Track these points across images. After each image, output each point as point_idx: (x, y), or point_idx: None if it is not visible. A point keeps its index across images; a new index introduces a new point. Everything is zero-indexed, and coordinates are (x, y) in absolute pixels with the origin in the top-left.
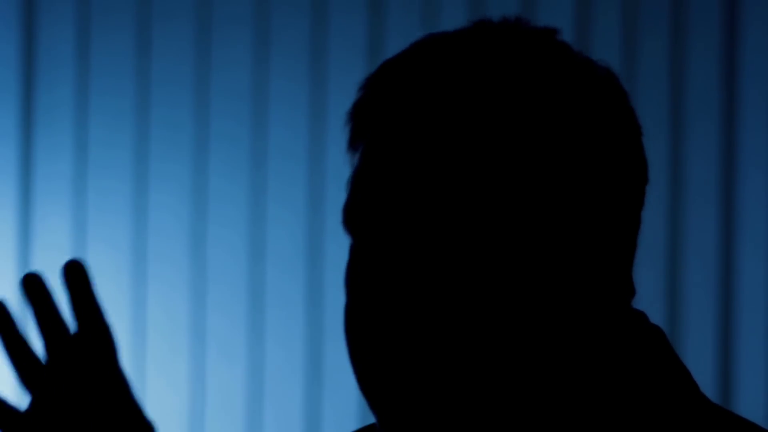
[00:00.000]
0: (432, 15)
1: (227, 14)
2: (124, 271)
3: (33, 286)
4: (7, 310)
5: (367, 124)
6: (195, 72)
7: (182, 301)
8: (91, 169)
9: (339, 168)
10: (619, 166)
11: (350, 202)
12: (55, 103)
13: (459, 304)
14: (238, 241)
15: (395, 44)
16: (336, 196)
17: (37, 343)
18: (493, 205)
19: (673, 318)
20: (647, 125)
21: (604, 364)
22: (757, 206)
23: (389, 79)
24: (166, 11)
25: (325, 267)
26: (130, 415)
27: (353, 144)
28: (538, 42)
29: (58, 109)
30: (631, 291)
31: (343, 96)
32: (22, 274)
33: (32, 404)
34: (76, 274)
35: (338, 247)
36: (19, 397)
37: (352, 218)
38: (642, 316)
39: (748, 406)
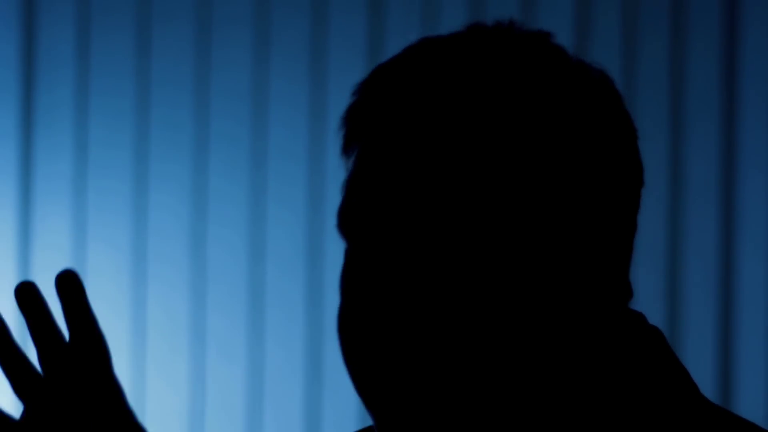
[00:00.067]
0: (432, 15)
1: (227, 14)
2: (124, 271)
3: (27, 296)
4: (0, 320)
5: (361, 129)
6: (195, 72)
7: (182, 301)
8: (91, 169)
9: (339, 168)
10: (613, 169)
11: (345, 206)
12: (55, 103)
13: (453, 306)
14: (238, 241)
15: (395, 44)
16: (336, 196)
17: (32, 352)
18: (487, 209)
19: (673, 318)
20: (647, 125)
21: (602, 365)
22: (757, 206)
23: (383, 83)
24: (166, 11)
25: (325, 267)
26: (124, 425)
27: (347, 148)
28: (531, 46)
29: (58, 109)
30: (628, 293)
31: (343, 96)
32: (18, 281)
33: (26, 413)
34: (69, 284)
35: (338, 247)
36: (13, 406)
37: (346, 222)
38: (640, 317)
39: (748, 406)
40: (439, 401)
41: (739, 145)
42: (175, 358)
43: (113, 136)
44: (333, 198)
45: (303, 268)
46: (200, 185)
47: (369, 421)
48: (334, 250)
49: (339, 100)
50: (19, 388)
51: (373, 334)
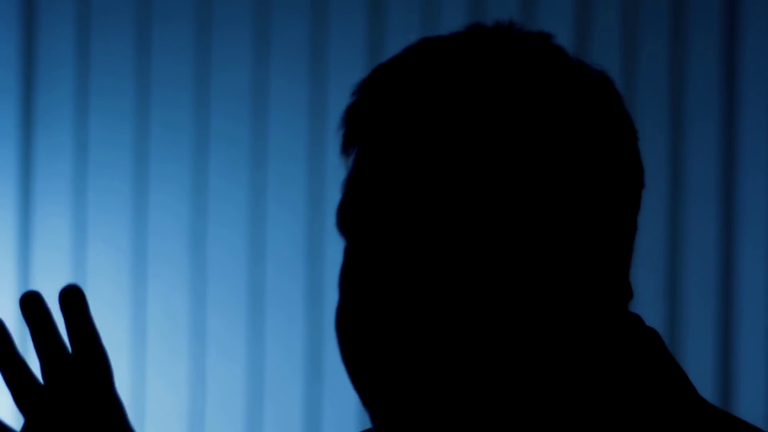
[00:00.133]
0: (432, 15)
1: (227, 14)
2: (124, 271)
3: (32, 306)
4: (4, 330)
5: (361, 128)
6: (195, 72)
7: (182, 301)
8: (91, 169)
9: (339, 168)
10: (613, 170)
11: (344, 205)
12: (55, 103)
13: (451, 306)
14: (238, 241)
15: (395, 44)
16: (336, 196)
17: (34, 364)
18: (486, 209)
19: (673, 318)
20: (647, 125)
21: (599, 366)
22: (757, 206)
23: (382, 83)
24: (166, 11)
25: (325, 267)
26: None
27: (347, 148)
28: (532, 46)
29: (58, 109)
30: (628, 294)
31: (343, 96)
32: (19, 285)
33: (27, 425)
34: (73, 299)
35: (338, 247)
36: (15, 418)
37: (346, 220)
38: (637, 319)
39: (748, 406)
40: (436, 400)
41: (739, 145)
42: (175, 358)
43: (113, 136)
44: (333, 198)
45: (303, 268)
46: (200, 185)
47: (369, 422)
48: (334, 250)
49: (339, 100)
50: (20, 398)
51: (372, 333)
